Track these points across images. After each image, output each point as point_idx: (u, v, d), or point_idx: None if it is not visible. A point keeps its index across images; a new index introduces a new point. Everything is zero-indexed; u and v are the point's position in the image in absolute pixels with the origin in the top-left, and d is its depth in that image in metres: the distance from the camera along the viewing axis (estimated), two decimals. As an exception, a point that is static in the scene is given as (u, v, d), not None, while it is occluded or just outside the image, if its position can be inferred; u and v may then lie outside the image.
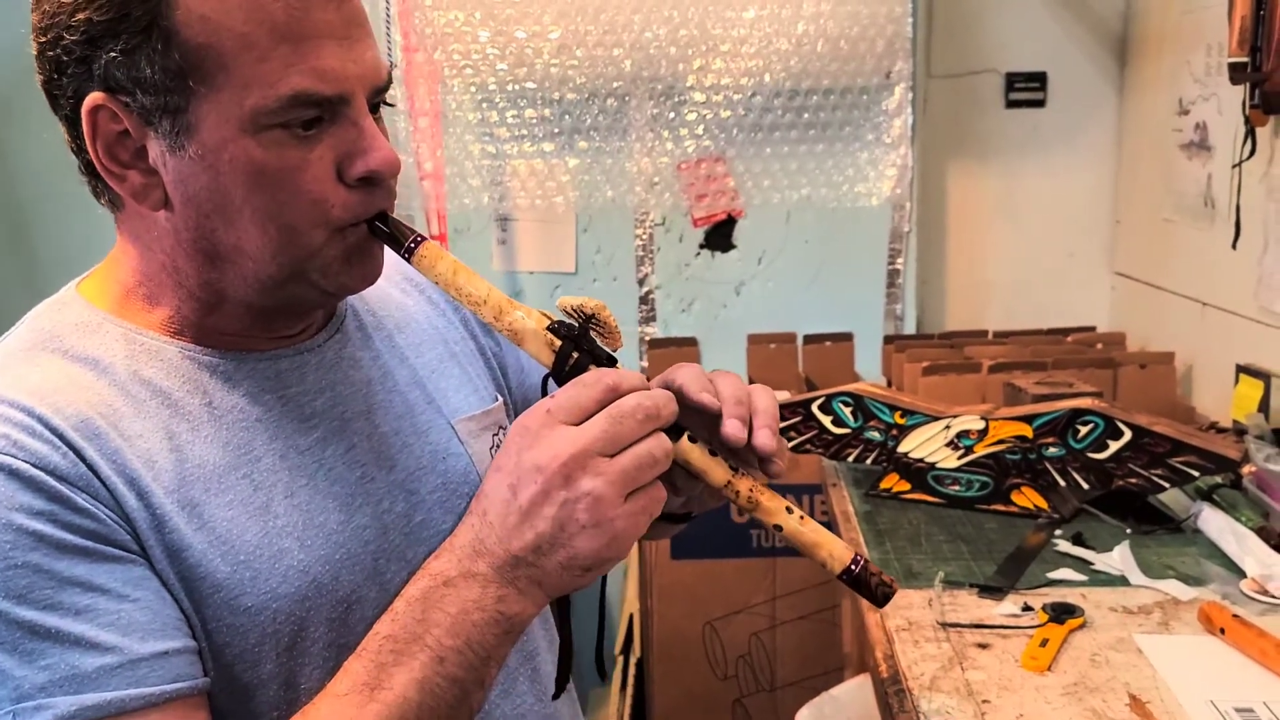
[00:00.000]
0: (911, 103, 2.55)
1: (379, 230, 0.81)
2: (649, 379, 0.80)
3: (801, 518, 0.80)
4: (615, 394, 0.75)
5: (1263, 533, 1.48)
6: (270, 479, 0.80)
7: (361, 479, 0.85)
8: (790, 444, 1.83)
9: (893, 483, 1.76)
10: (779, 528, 0.80)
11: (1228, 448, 1.54)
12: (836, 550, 0.80)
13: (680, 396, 0.80)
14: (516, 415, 1.04)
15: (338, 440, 0.85)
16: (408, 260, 0.82)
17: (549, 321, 0.81)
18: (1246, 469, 1.61)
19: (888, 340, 2.51)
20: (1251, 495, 1.59)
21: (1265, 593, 1.34)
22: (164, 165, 0.76)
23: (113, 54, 0.73)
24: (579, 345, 0.80)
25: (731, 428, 0.79)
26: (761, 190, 2.59)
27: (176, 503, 0.76)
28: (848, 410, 1.79)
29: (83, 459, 0.73)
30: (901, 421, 1.76)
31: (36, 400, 0.74)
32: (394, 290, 0.99)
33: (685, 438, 0.79)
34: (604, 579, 0.97)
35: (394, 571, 0.84)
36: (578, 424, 0.74)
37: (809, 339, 2.54)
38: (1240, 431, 1.87)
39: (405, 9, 2.50)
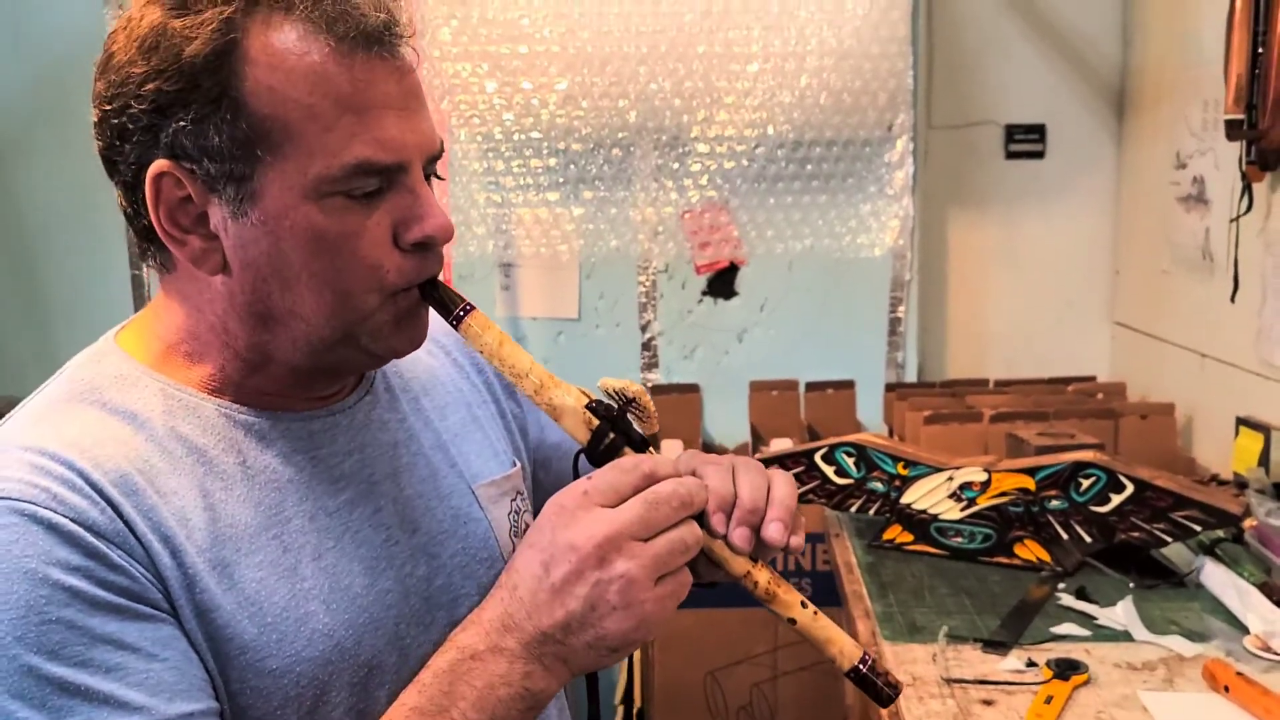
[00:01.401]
0: (913, 154, 2.58)
1: (429, 295, 0.83)
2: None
3: (815, 613, 0.82)
4: (651, 481, 0.76)
5: (1265, 588, 1.48)
6: (299, 540, 0.81)
7: (386, 542, 0.86)
8: (793, 494, 1.83)
9: (896, 534, 1.76)
10: (793, 621, 0.81)
11: (1229, 502, 1.54)
12: (847, 648, 0.82)
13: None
14: (533, 477, 1.06)
15: (365, 503, 0.86)
16: (455, 327, 0.84)
17: (588, 400, 0.83)
18: (1248, 523, 1.62)
19: (889, 388, 2.52)
20: (1254, 550, 1.59)
21: (1269, 650, 1.34)
22: (225, 231, 0.78)
23: (181, 123, 0.75)
24: (616, 426, 0.82)
25: (739, 536, 0.80)
26: (765, 240, 2.61)
27: (208, 562, 0.76)
28: (851, 460, 1.80)
29: (120, 515, 0.73)
30: (904, 472, 1.77)
31: (76, 454, 0.74)
32: (421, 352, 0.99)
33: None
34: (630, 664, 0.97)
35: (413, 636, 0.85)
36: (613, 506, 0.75)
37: (811, 386, 2.55)
38: (1241, 484, 1.87)
39: (414, 60, 2.53)
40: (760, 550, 0.82)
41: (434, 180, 0.85)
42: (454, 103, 2.53)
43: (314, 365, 0.84)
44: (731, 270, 2.69)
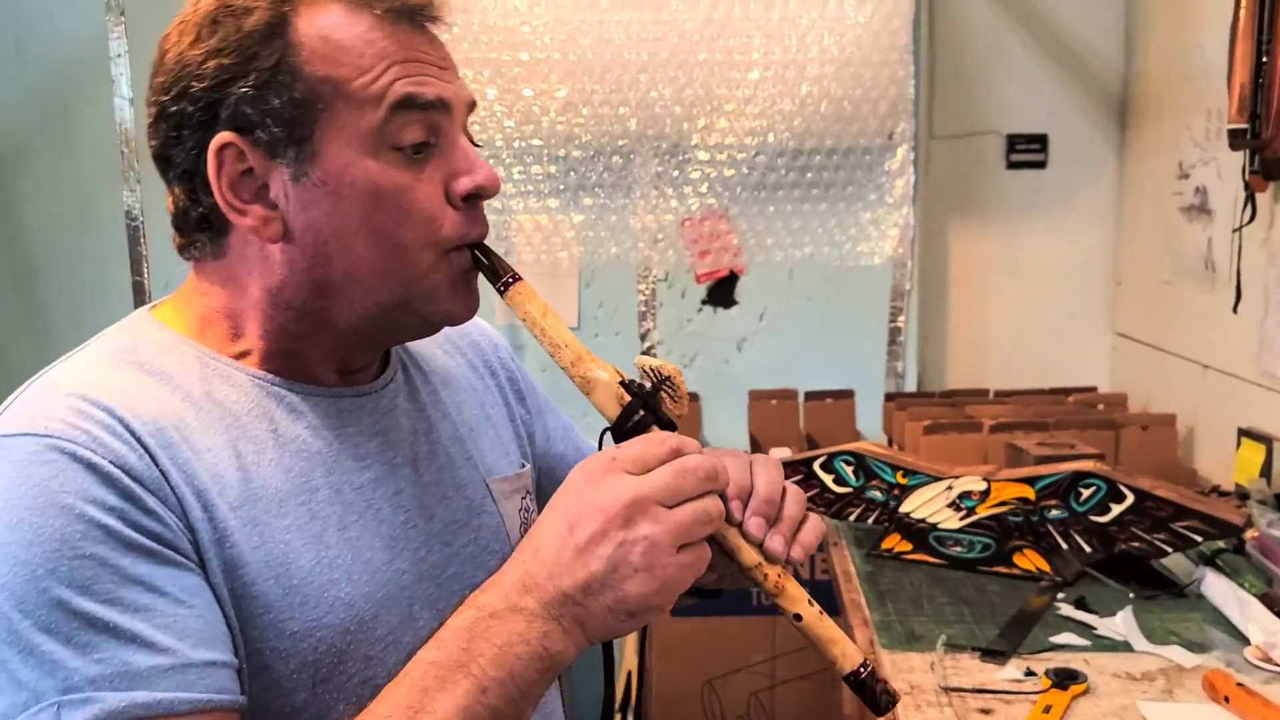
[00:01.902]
0: (914, 163, 2.57)
1: (479, 261, 0.86)
2: None
3: (820, 613, 0.82)
4: (678, 455, 0.78)
5: (1266, 599, 1.47)
6: (326, 510, 0.83)
7: (404, 524, 0.88)
8: (792, 502, 1.82)
9: (894, 543, 1.75)
10: (798, 617, 0.81)
11: (1231, 513, 1.53)
12: (849, 651, 0.82)
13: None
14: (539, 483, 1.08)
15: (387, 483, 0.88)
16: (502, 294, 0.87)
17: (622, 378, 0.85)
18: (1249, 534, 1.61)
19: (889, 398, 2.51)
20: (1255, 561, 1.58)
21: (1269, 661, 1.33)
22: (285, 197, 0.82)
23: (244, 90, 0.80)
24: (646, 404, 0.84)
25: (754, 524, 0.82)
26: (764, 248, 2.61)
27: (239, 519, 0.78)
28: (850, 469, 1.79)
29: (156, 463, 0.75)
30: (903, 481, 1.76)
31: (117, 403, 0.77)
32: (438, 350, 1.04)
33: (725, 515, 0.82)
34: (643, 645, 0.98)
35: (425, 620, 0.86)
36: (641, 474, 0.76)
37: (810, 395, 2.54)
38: (1242, 495, 1.86)
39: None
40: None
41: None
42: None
43: (366, 331, 0.86)
44: (731, 279, 2.69)
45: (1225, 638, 1.39)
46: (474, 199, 0.85)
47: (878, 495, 1.78)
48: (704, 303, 2.74)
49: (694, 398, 2.58)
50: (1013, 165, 2.75)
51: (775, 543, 0.82)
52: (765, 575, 0.81)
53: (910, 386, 2.73)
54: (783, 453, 2.35)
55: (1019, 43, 2.71)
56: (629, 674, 2.47)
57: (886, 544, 1.76)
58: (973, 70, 2.73)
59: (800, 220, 2.59)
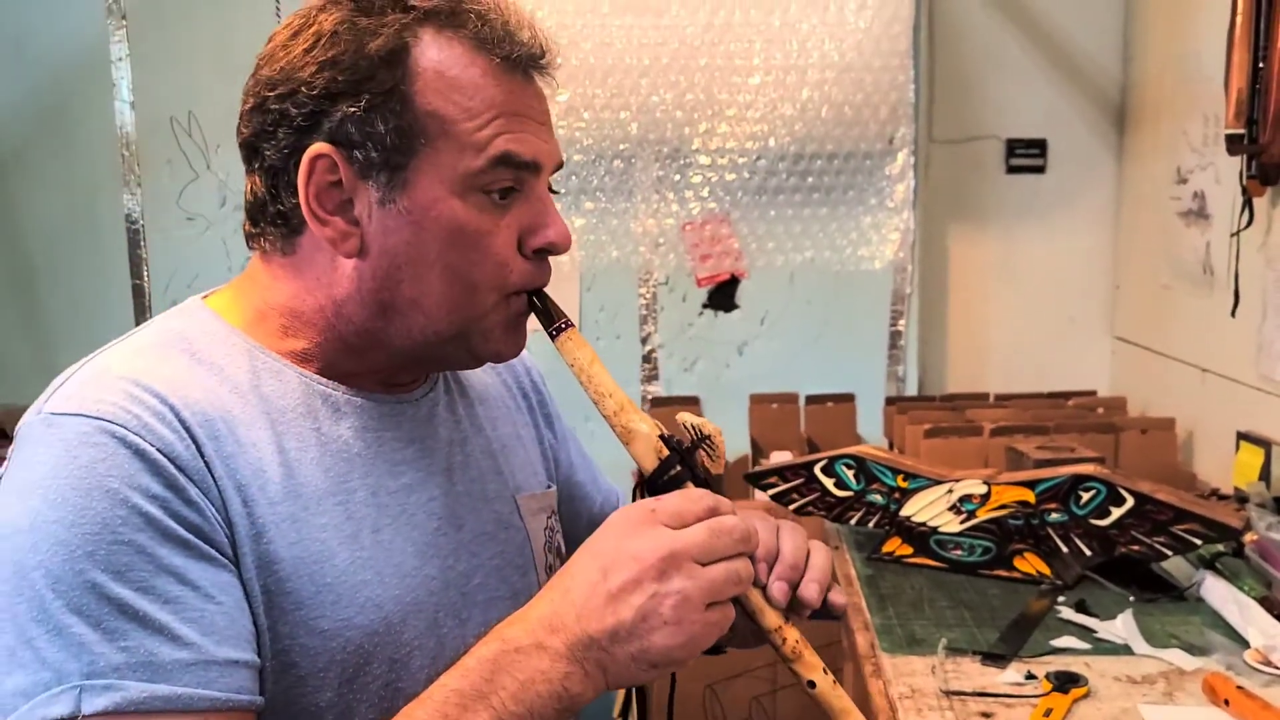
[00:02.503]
0: (914, 167, 2.58)
1: (536, 306, 0.89)
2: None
3: (834, 682, 0.83)
4: (715, 513, 0.79)
5: (1266, 602, 1.47)
6: (362, 511, 0.84)
7: (436, 531, 0.89)
8: (791, 506, 1.83)
9: (895, 546, 1.76)
10: (812, 684, 0.82)
11: (1230, 516, 1.54)
12: None
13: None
14: (559, 508, 1.09)
15: (421, 490, 0.89)
16: (553, 339, 0.88)
17: (662, 432, 0.86)
18: (1249, 537, 1.61)
19: (889, 401, 2.52)
20: (1254, 564, 1.59)
21: (1269, 664, 1.33)
22: (368, 216, 0.83)
23: (352, 109, 0.81)
24: (684, 460, 0.85)
25: (778, 589, 0.83)
26: (765, 252, 2.62)
27: (278, 515, 0.79)
28: (850, 473, 1.80)
29: (202, 454, 0.76)
30: (904, 485, 1.76)
31: (169, 389, 0.78)
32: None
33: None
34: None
35: (449, 628, 0.87)
36: (677, 529, 0.77)
37: (811, 399, 2.55)
38: (1242, 499, 1.87)
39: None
40: (792, 608, 0.85)
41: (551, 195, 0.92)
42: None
43: (417, 355, 0.88)
44: (732, 283, 2.69)
45: (1225, 641, 1.40)
46: (544, 252, 0.87)
47: (878, 499, 1.78)
48: (705, 306, 2.75)
49: (695, 402, 2.58)
50: (1012, 170, 2.76)
51: (809, 591, 0.83)
52: (784, 639, 0.82)
53: (911, 390, 2.73)
54: (783, 456, 2.35)
55: (1018, 48, 2.72)
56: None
57: (887, 547, 1.76)
58: (972, 75, 2.74)
59: (801, 224, 2.59)
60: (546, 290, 0.90)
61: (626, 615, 0.74)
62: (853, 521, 1.81)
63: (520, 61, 0.84)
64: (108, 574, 0.70)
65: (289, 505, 0.80)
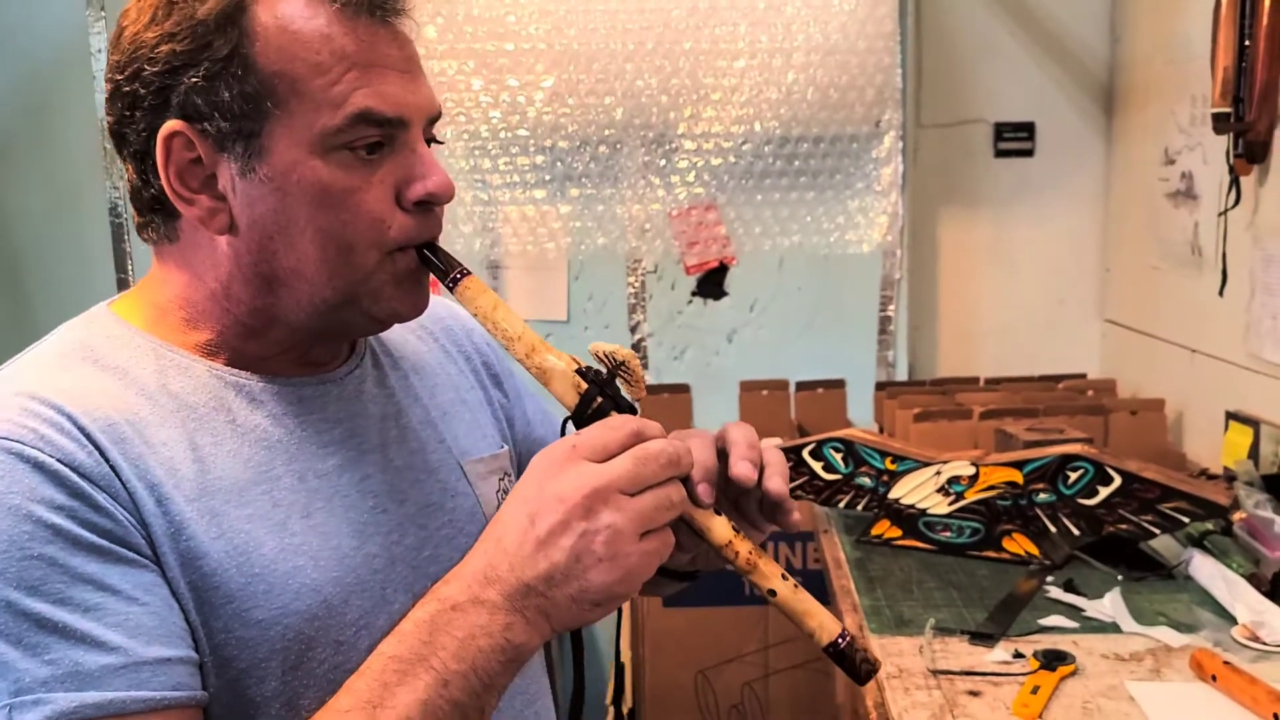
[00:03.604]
0: (902, 151, 2.57)
1: (428, 259, 0.85)
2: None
3: (795, 586, 0.82)
4: (639, 439, 0.77)
5: (1253, 579, 1.47)
6: (289, 498, 0.82)
7: (374, 509, 0.87)
8: (781, 490, 1.82)
9: (884, 529, 1.75)
10: (773, 593, 0.81)
11: (1217, 494, 1.54)
12: (826, 622, 0.81)
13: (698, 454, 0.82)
14: (520, 468, 1.06)
15: (353, 469, 0.87)
16: (451, 290, 0.85)
17: (578, 365, 0.84)
18: (1237, 516, 1.61)
19: (880, 387, 2.51)
20: (1242, 542, 1.59)
21: (1256, 640, 1.33)
22: (233, 190, 0.80)
23: (194, 80, 0.78)
24: (604, 390, 0.83)
25: (742, 469, 0.82)
26: (753, 237, 2.61)
27: (196, 511, 0.77)
28: (839, 456, 1.79)
29: (106, 459, 0.74)
30: (892, 467, 1.76)
31: (66, 400, 0.76)
32: (410, 336, 1.03)
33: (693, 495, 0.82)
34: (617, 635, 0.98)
35: (401, 603, 0.85)
36: (601, 462, 0.76)
37: (801, 386, 2.54)
38: (1230, 478, 1.86)
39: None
40: (749, 519, 0.84)
41: (434, 145, 0.88)
42: (440, 100, 2.52)
43: (316, 328, 0.85)
44: (721, 270, 2.68)
45: (1213, 618, 1.39)
46: (426, 204, 0.84)
47: (867, 482, 1.78)
48: (694, 294, 2.74)
49: (685, 390, 2.57)
50: (1000, 153, 2.75)
51: (774, 483, 0.82)
52: (737, 552, 0.81)
53: (901, 376, 2.73)
54: (774, 442, 2.34)
55: (1005, 31, 2.71)
56: (621, 666, 2.47)
57: (876, 530, 1.76)
58: (959, 59, 2.73)
59: (788, 209, 2.59)
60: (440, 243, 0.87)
61: (559, 558, 0.73)
62: (841, 505, 1.80)
63: (366, 5, 0.80)
64: (21, 590, 0.69)
65: (208, 500, 0.78)
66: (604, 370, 0.84)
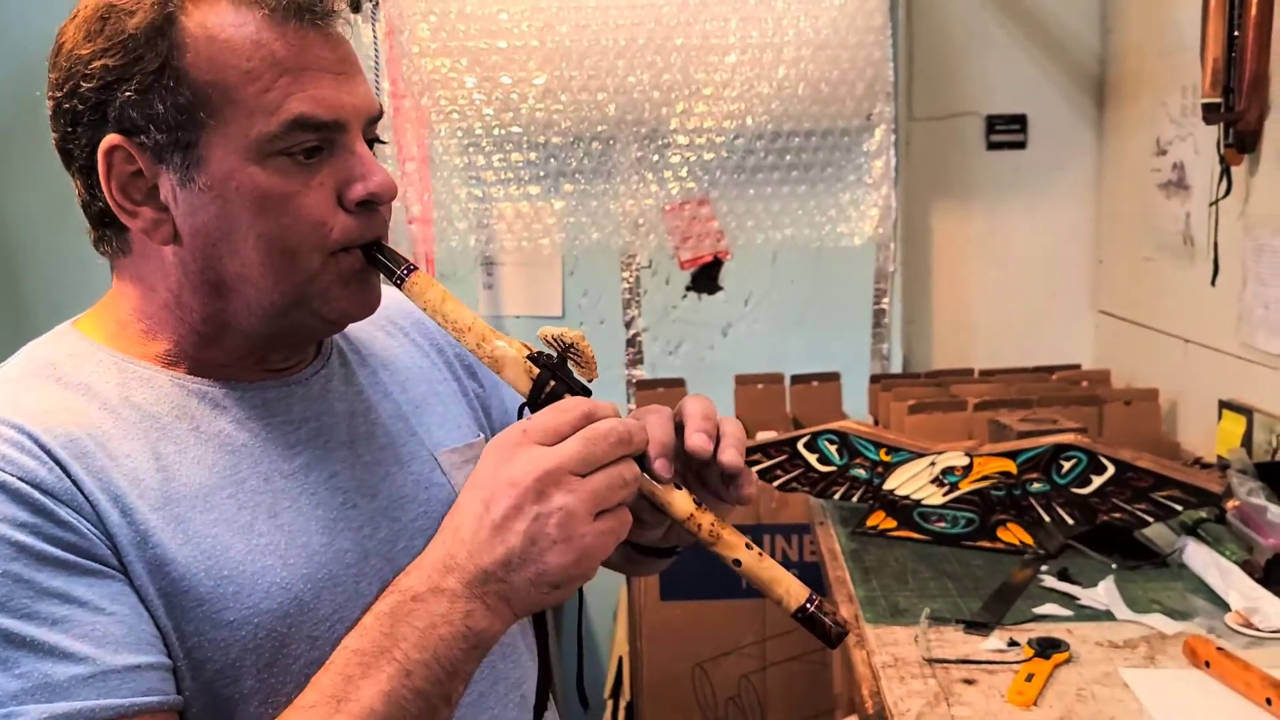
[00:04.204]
0: (894, 145, 2.58)
1: (374, 258, 0.86)
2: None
3: (760, 554, 0.83)
4: (590, 420, 0.78)
5: (1247, 566, 1.48)
6: (254, 500, 0.83)
7: (344, 504, 0.88)
8: (775, 482, 1.83)
9: (879, 520, 1.76)
10: (738, 563, 0.82)
11: (1210, 481, 1.54)
12: (793, 588, 0.82)
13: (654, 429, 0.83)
14: None
15: (321, 467, 0.88)
16: (399, 287, 0.86)
17: (529, 351, 0.85)
18: (1230, 503, 1.62)
19: (874, 380, 2.52)
20: (1235, 529, 1.59)
21: (1250, 626, 1.34)
22: (174, 200, 0.81)
23: (128, 94, 0.79)
24: (556, 374, 0.84)
25: (696, 440, 0.83)
26: (746, 231, 2.61)
27: (162, 519, 0.78)
28: (833, 448, 1.80)
29: (68, 474, 0.76)
30: (887, 459, 1.76)
31: (27, 419, 0.77)
32: (379, 333, 1.03)
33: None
34: (581, 611, 0.99)
35: (376, 595, 0.85)
36: (552, 445, 0.76)
37: (796, 379, 2.55)
38: (1224, 466, 1.87)
39: (393, 56, 2.53)
40: (713, 491, 0.85)
41: (377, 146, 0.89)
42: (434, 98, 2.52)
43: (270, 332, 0.86)
44: (715, 264, 2.69)
45: (1207, 605, 1.40)
46: (368, 204, 0.84)
47: (862, 473, 1.78)
48: (688, 289, 2.74)
49: (680, 383, 2.58)
50: (993, 146, 2.76)
51: (728, 455, 0.83)
52: (700, 525, 0.82)
53: (896, 368, 2.74)
54: (769, 435, 2.35)
55: (996, 23, 2.72)
56: (619, 659, 2.47)
57: (871, 521, 1.76)
58: (951, 51, 2.74)
59: (780, 202, 2.59)
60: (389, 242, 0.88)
61: (515, 543, 0.74)
62: (836, 496, 1.81)
63: (294, 9, 0.80)
64: None
65: (173, 508, 0.79)
66: (554, 354, 0.85)
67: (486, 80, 2.51)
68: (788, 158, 2.56)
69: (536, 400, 0.83)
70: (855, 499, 1.79)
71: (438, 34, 2.50)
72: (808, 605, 0.81)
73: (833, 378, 2.55)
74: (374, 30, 2.52)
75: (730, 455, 0.84)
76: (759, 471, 1.84)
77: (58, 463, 0.75)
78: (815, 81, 2.51)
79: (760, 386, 2.54)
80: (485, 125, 2.54)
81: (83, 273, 2.77)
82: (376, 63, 2.53)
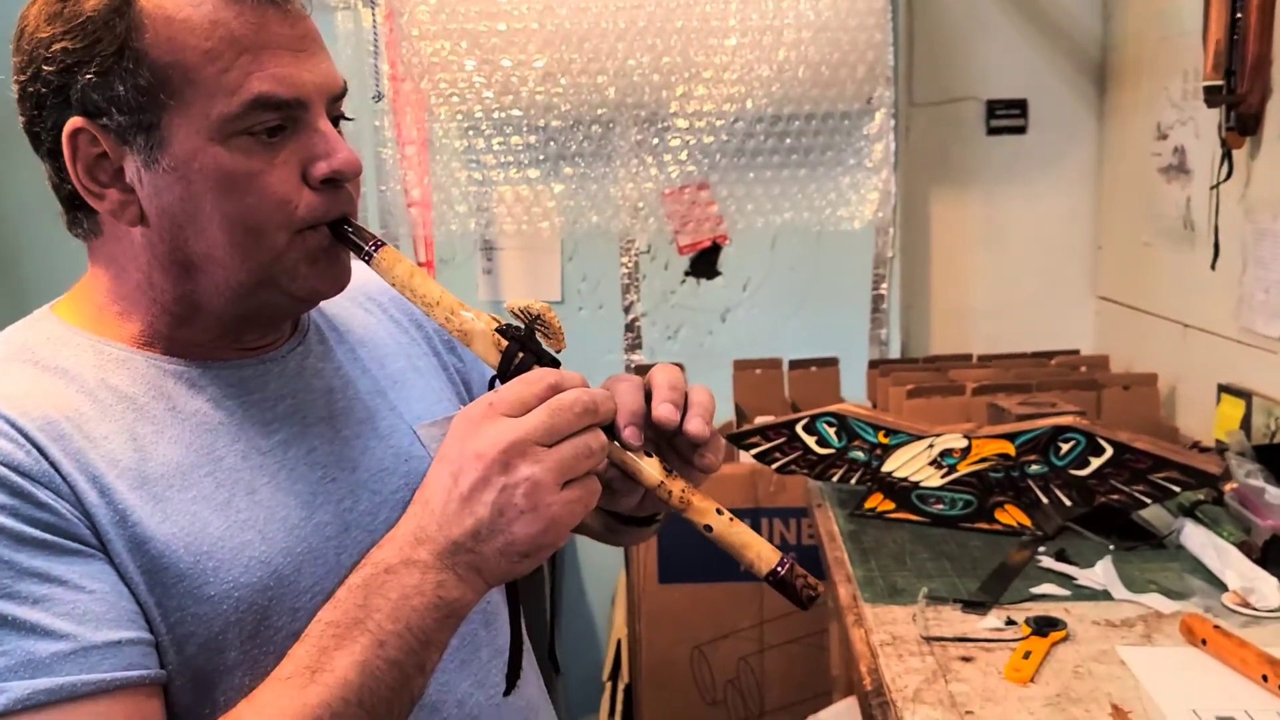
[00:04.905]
0: (894, 129, 2.58)
1: (342, 234, 0.86)
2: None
3: (731, 519, 0.83)
4: (556, 391, 0.79)
5: (1244, 547, 1.48)
6: (232, 477, 0.84)
7: (323, 479, 0.89)
8: (774, 465, 1.83)
9: (877, 502, 1.76)
10: (709, 528, 0.83)
11: (1208, 463, 1.54)
12: (765, 552, 0.82)
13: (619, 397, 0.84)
14: None
15: (299, 443, 0.89)
16: (368, 263, 0.87)
17: (498, 324, 0.86)
18: (1228, 486, 1.62)
19: (873, 365, 2.52)
20: (1233, 511, 1.60)
21: (1246, 605, 1.34)
22: (140, 182, 0.82)
23: (89, 77, 0.79)
24: (524, 346, 0.84)
25: (663, 410, 0.84)
26: (745, 214, 2.61)
27: (140, 498, 0.79)
28: (832, 430, 1.80)
29: (46, 456, 0.77)
30: (885, 441, 1.76)
31: (4, 404, 0.78)
32: (357, 309, 1.04)
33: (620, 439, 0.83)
34: (555, 579, 1.00)
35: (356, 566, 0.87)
36: (518, 417, 0.77)
37: (795, 364, 2.55)
38: (1222, 450, 1.87)
39: (393, 39, 2.53)
40: (686, 458, 0.85)
41: (342, 123, 0.89)
42: (433, 81, 2.52)
43: (241, 312, 0.87)
44: (714, 249, 2.69)
45: (1204, 585, 1.40)
46: (334, 181, 0.84)
47: (860, 456, 1.78)
48: (687, 274, 2.74)
49: (679, 368, 2.58)
50: (993, 131, 2.75)
51: (694, 425, 0.83)
52: (670, 492, 0.83)
53: (894, 354, 2.74)
54: (767, 418, 2.35)
55: (997, 7, 2.71)
56: (618, 641, 2.48)
57: (870, 504, 1.76)
58: (951, 36, 2.73)
59: (780, 186, 2.59)
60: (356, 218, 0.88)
61: (483, 513, 0.75)
62: (835, 479, 1.81)
63: None
64: None
65: (151, 487, 0.80)
66: (522, 326, 0.85)
67: (486, 63, 2.51)
68: (787, 141, 2.56)
69: (506, 372, 0.84)
70: (853, 481, 1.80)
71: (437, 17, 2.49)
72: (779, 569, 0.82)
73: (831, 363, 2.55)
74: (374, 13, 2.52)
75: (695, 424, 0.84)
76: (757, 455, 1.84)
77: (35, 445, 0.77)
78: (815, 65, 2.50)
79: (759, 371, 2.55)
80: (485, 108, 2.54)
81: (78, 257, 2.79)
82: (376, 46, 2.53)
